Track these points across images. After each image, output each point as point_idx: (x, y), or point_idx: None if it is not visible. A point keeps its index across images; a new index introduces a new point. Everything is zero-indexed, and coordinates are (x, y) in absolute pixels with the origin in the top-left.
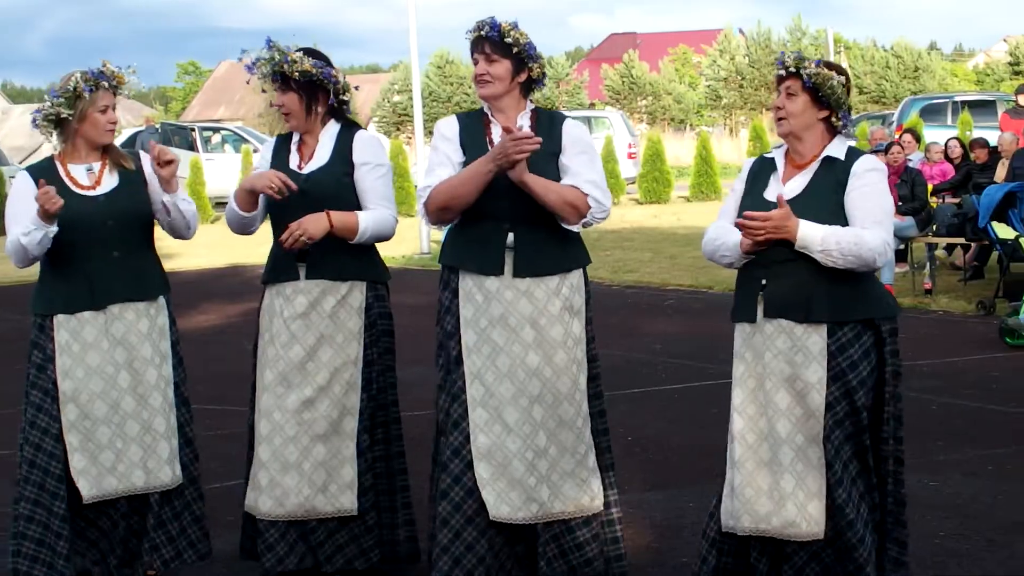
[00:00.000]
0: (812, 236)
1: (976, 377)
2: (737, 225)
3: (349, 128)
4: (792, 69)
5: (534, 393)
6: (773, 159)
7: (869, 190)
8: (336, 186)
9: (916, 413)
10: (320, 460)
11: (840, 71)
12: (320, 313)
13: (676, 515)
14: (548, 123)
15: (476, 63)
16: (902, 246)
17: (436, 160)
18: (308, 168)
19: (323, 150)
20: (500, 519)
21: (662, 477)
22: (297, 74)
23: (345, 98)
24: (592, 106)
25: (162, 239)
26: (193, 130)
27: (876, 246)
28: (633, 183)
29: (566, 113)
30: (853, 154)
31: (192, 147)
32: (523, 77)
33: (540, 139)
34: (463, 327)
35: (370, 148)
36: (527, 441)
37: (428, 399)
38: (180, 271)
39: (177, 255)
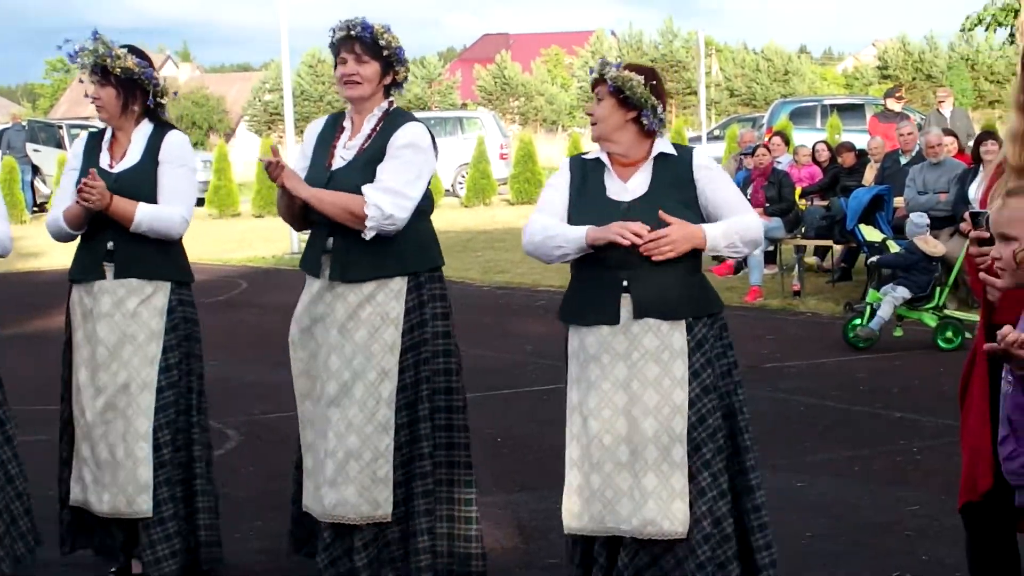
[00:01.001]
0: (715, 236)
1: (844, 378)
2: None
3: (161, 128)
4: (598, 75)
5: (331, 395)
6: (598, 159)
7: (720, 181)
8: (145, 185)
9: (784, 414)
10: (118, 461)
11: (645, 72)
12: (124, 313)
13: (544, 516)
14: (390, 126)
15: (343, 63)
16: (771, 248)
17: (298, 165)
18: (119, 167)
19: (134, 149)
20: (309, 511)
21: (531, 478)
22: (118, 70)
23: (162, 101)
24: (464, 106)
25: (26, 238)
26: (60, 127)
27: (759, 227)
28: (505, 184)
29: (438, 114)
30: (683, 149)
31: (59, 145)
32: (388, 80)
33: (283, 164)
34: (293, 322)
35: (176, 149)
36: (325, 441)
37: None
38: (45, 271)
39: (42, 254)
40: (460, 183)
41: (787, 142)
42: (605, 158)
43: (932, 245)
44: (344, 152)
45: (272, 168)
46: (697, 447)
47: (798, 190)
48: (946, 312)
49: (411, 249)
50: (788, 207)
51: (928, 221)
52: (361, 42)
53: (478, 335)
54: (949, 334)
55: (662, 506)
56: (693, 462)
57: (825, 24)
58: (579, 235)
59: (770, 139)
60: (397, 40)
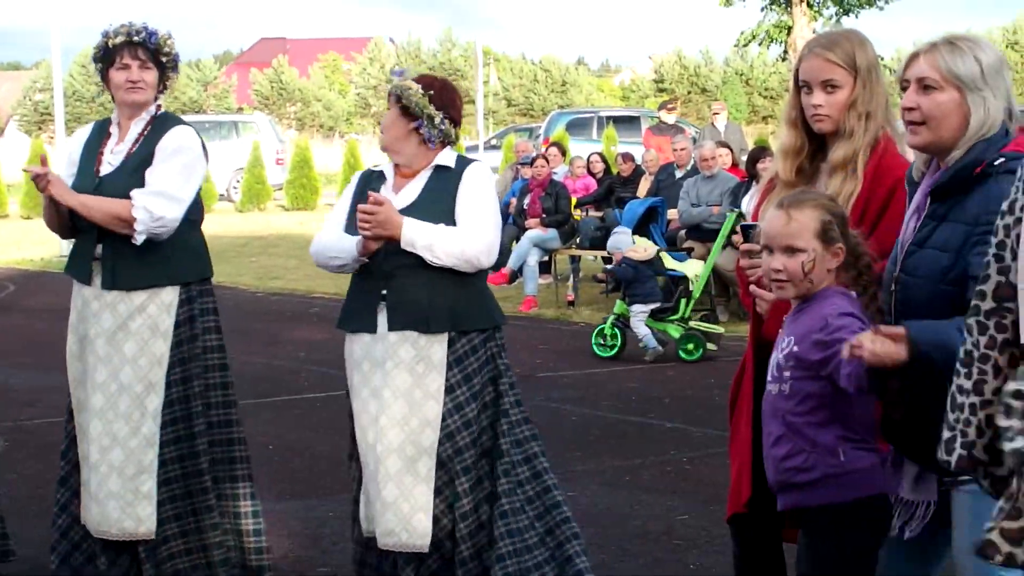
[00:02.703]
0: (416, 234)
1: (616, 388)
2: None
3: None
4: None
5: (96, 407)
6: (383, 171)
7: (477, 195)
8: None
9: (555, 424)
10: None
11: (435, 83)
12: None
13: (316, 524)
14: (158, 130)
15: (126, 68)
16: (546, 258)
17: (65, 173)
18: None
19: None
20: (87, 524)
21: (303, 486)
22: (167, 52)
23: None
24: (240, 110)
25: None
26: None
27: (480, 247)
28: (280, 189)
29: (213, 118)
30: (463, 162)
31: None
32: (162, 86)
33: (50, 174)
34: (70, 331)
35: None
36: (97, 455)
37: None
38: None
39: None
40: (235, 188)
41: (564, 153)
42: (390, 169)
43: (642, 251)
44: (112, 158)
45: (39, 180)
46: (442, 463)
47: (573, 201)
48: (691, 324)
49: (181, 257)
50: (564, 218)
51: (630, 236)
52: (145, 48)
53: (251, 341)
54: (691, 346)
55: (401, 518)
56: (440, 475)
57: (603, 36)
58: (351, 244)
59: (547, 150)
60: (175, 48)
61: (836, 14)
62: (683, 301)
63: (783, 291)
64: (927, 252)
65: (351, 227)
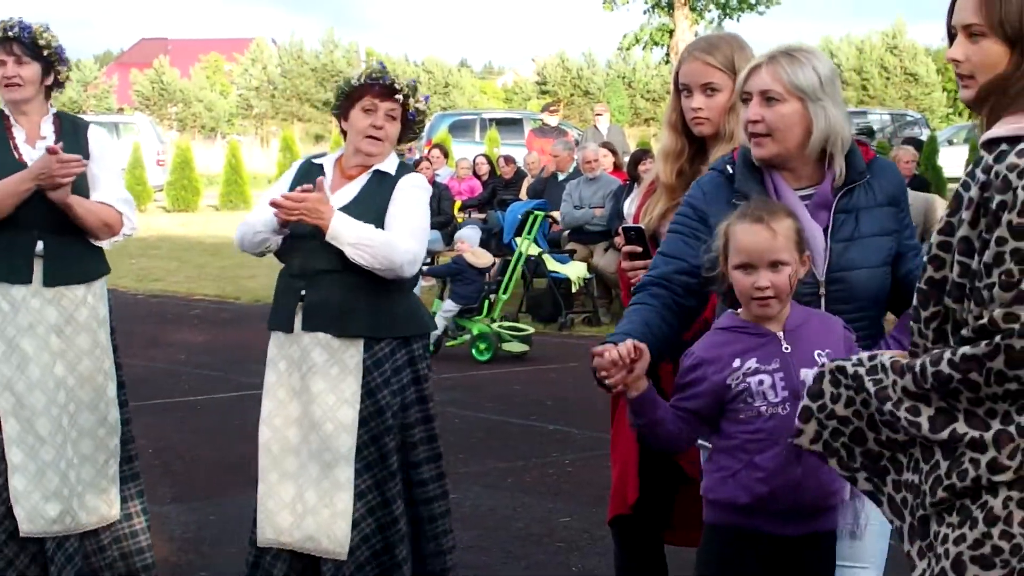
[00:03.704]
0: (343, 229)
1: (499, 390)
2: (272, 203)
3: (71, 119)
4: None
5: (61, 402)
6: (322, 166)
7: (409, 203)
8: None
9: (438, 427)
10: None
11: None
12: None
13: (197, 528)
14: (72, 130)
15: (2, 64)
16: (429, 260)
17: None
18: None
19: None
20: (32, 535)
21: (184, 490)
22: (46, 44)
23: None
24: (121, 111)
25: None
26: None
27: (406, 255)
28: (161, 191)
29: (93, 118)
30: (403, 169)
31: None
32: (49, 80)
33: (84, 161)
34: None
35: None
36: (60, 452)
37: None
38: None
39: None
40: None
41: (446, 155)
42: (330, 165)
43: (480, 257)
44: (35, 153)
45: (66, 164)
46: (369, 465)
47: (457, 203)
48: (495, 325)
49: (100, 253)
50: (446, 220)
51: (479, 236)
52: (19, 43)
53: (131, 344)
54: (483, 346)
55: (322, 524)
56: (364, 480)
57: (486, 38)
58: (272, 217)
59: (429, 151)
60: (56, 39)
61: (718, 17)
62: (487, 301)
63: (768, 308)
64: (866, 242)
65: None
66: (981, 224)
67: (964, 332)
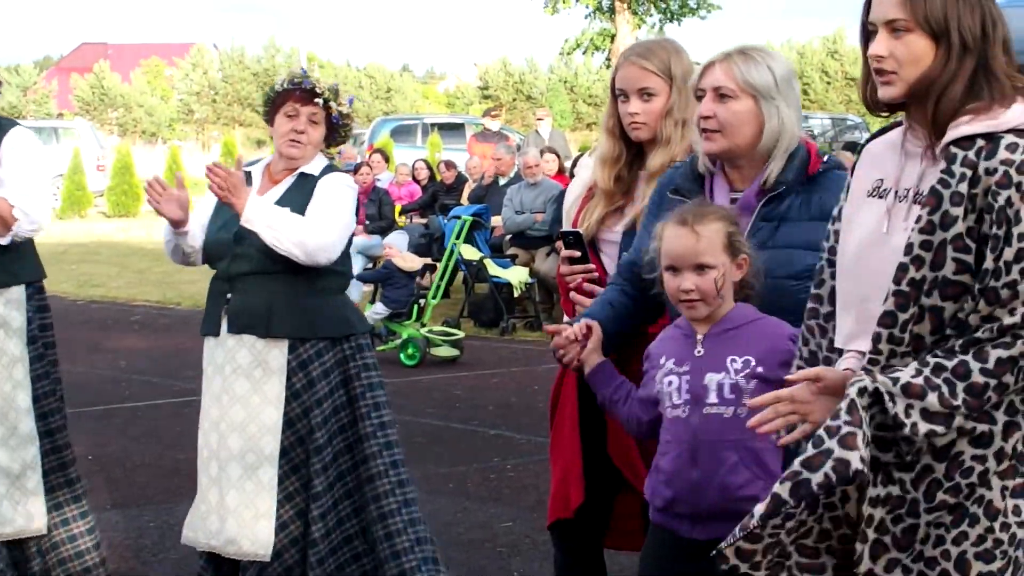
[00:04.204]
0: (258, 211)
1: (440, 395)
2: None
3: None
4: None
5: None
6: (250, 173)
7: (328, 196)
8: None
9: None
10: None
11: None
12: None
13: (137, 535)
14: None
15: None
16: (370, 265)
17: None
18: None
19: None
20: None
21: (123, 496)
22: None
23: None
24: (60, 116)
25: None
26: None
27: (320, 241)
28: (101, 196)
29: (33, 123)
30: (327, 170)
31: None
32: None
33: None
34: None
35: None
36: None
37: None
38: None
39: None
40: (55, 194)
41: (388, 159)
42: (259, 171)
43: (408, 261)
44: None
45: None
46: (296, 467)
47: (398, 208)
48: (423, 331)
49: (24, 256)
50: (387, 224)
51: (407, 240)
52: None
53: (71, 350)
54: (411, 351)
55: (243, 526)
56: (292, 481)
57: (428, 44)
58: (166, 223)
59: (370, 156)
60: None
61: (660, 22)
62: (415, 306)
63: (694, 311)
64: (780, 253)
65: (213, 222)
66: (985, 220)
67: (981, 333)
